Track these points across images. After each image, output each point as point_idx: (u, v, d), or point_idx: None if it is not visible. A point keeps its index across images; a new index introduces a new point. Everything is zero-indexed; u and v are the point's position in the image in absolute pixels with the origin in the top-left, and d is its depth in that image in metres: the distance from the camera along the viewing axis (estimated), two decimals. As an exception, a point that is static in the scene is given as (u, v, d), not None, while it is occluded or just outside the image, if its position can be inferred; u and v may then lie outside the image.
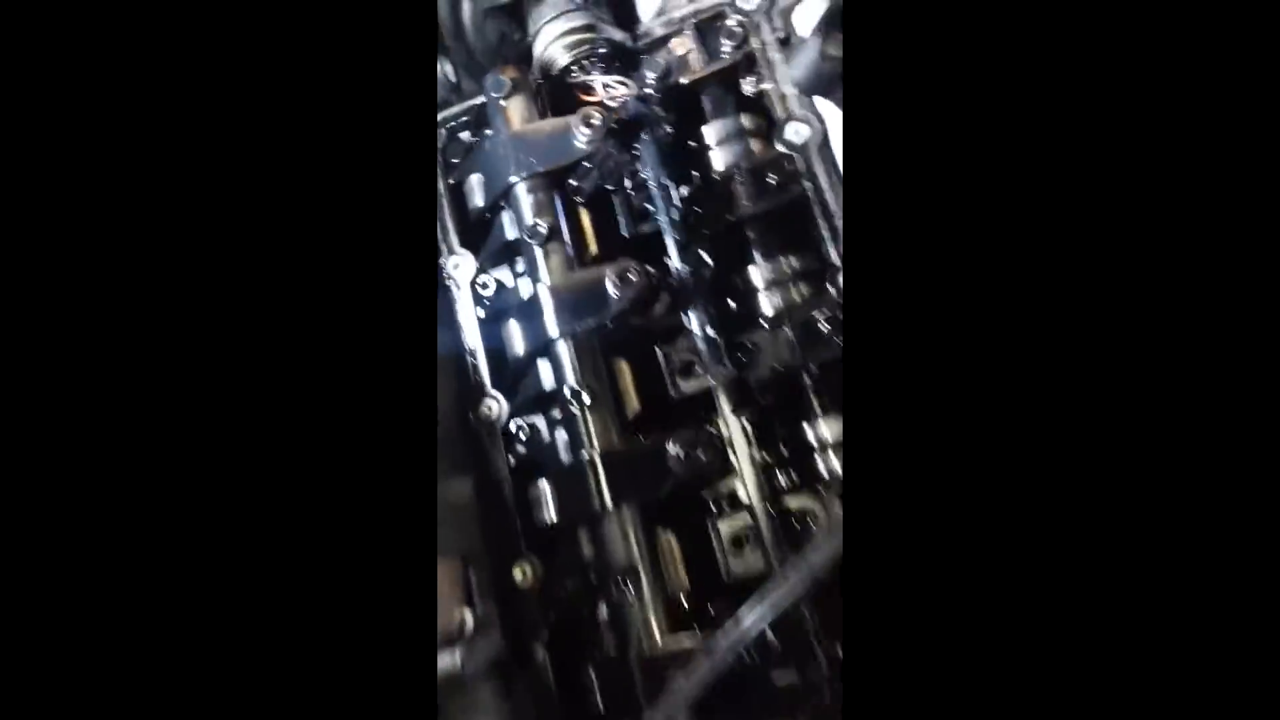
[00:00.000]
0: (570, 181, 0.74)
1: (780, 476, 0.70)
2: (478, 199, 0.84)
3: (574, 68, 0.83)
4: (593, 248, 0.79)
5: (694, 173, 0.79)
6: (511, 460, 0.81)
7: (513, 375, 0.83)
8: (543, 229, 0.76)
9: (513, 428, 0.81)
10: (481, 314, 0.86)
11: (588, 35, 0.83)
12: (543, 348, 0.76)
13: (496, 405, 0.83)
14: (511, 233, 0.82)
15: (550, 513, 0.74)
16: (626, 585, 0.68)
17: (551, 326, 0.74)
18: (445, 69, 0.96)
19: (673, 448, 0.69)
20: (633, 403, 0.74)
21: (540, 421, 0.82)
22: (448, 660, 0.67)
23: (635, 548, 0.70)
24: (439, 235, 0.84)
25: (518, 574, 0.78)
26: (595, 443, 0.71)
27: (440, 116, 0.88)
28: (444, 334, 0.85)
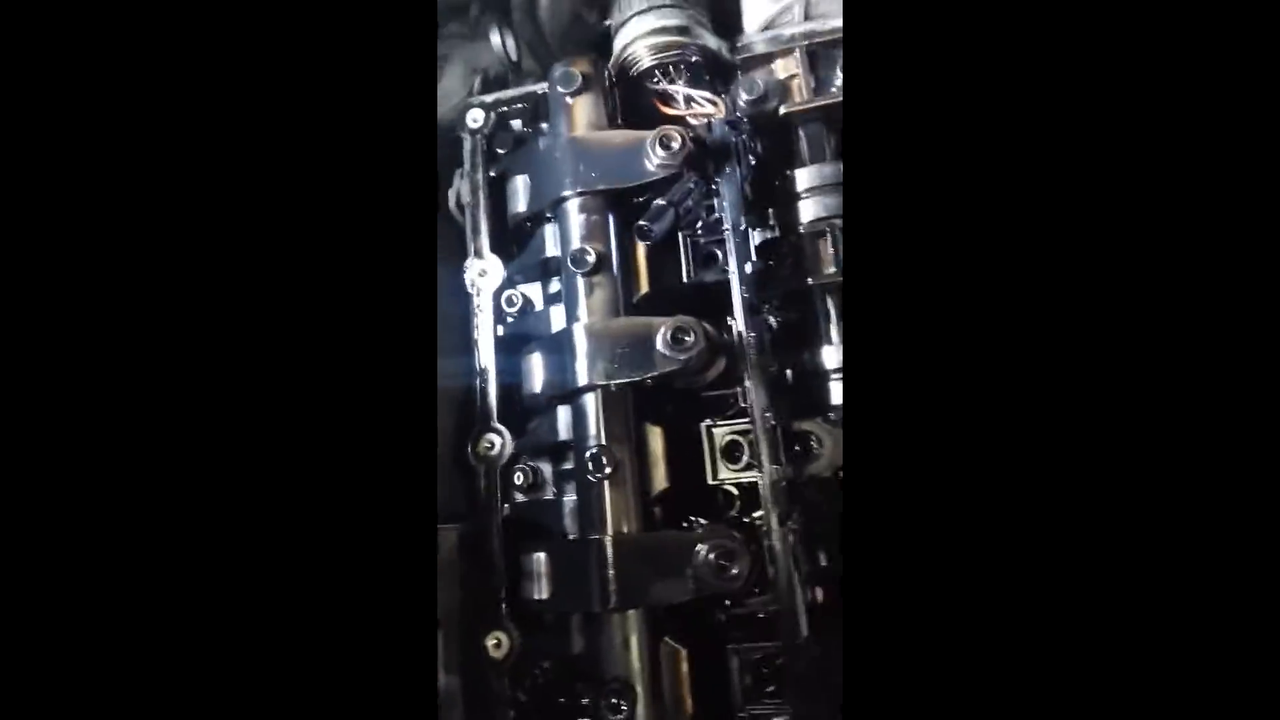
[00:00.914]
0: (642, 224, 0.62)
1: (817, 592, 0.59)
2: (520, 204, 0.72)
3: (657, 72, 0.72)
4: (644, 287, 0.67)
5: (774, 221, 0.67)
6: (506, 509, 0.70)
7: (524, 410, 0.72)
8: (590, 257, 0.65)
9: (515, 474, 0.70)
10: (501, 332, 0.75)
11: (679, 38, 0.71)
12: (565, 394, 0.65)
13: (499, 442, 0.72)
14: (553, 249, 0.70)
15: (542, 590, 0.63)
16: (618, 701, 0.57)
17: (581, 372, 0.63)
18: (507, 42, 0.84)
19: (702, 550, 0.57)
20: (660, 480, 0.62)
21: (547, 469, 0.71)
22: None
23: (635, 660, 0.59)
24: (468, 237, 0.73)
25: (490, 642, 0.67)
26: (609, 521, 0.60)
27: (492, 98, 0.76)
28: (454, 350, 0.74)
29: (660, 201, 0.61)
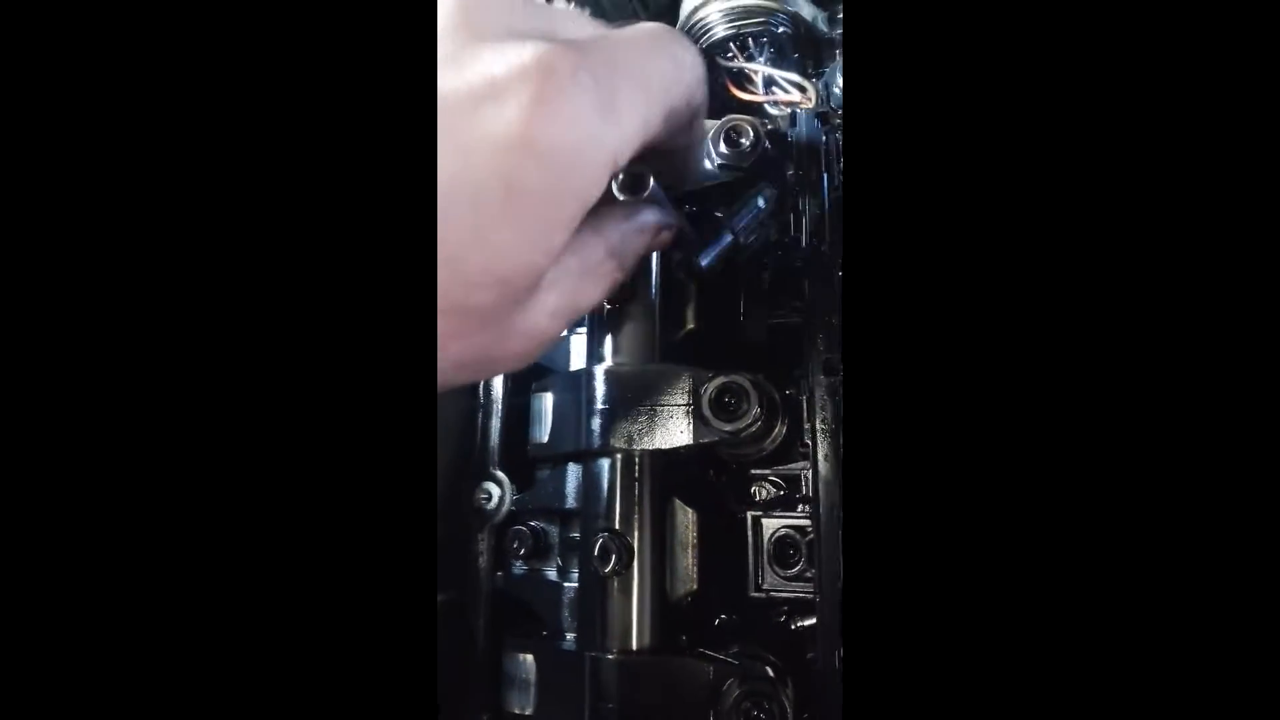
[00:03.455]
0: (695, 260, 0.44)
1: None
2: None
3: (733, 46, 0.56)
4: (689, 323, 0.52)
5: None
6: (498, 577, 0.57)
7: (531, 460, 0.59)
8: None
9: (514, 536, 0.57)
10: (515, 356, 0.61)
11: (766, 3, 0.55)
12: (577, 453, 0.51)
13: (498, 494, 0.58)
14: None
15: (528, 703, 0.49)
16: None
17: (596, 430, 0.48)
18: (559, 4, 0.70)
19: (730, 694, 0.42)
20: (687, 581, 0.47)
21: (554, 534, 0.57)
22: None
23: (632, 823, 0.44)
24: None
25: (466, 745, 0.54)
26: (614, 633, 0.46)
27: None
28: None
29: (729, 231, 0.44)
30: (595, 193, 0.32)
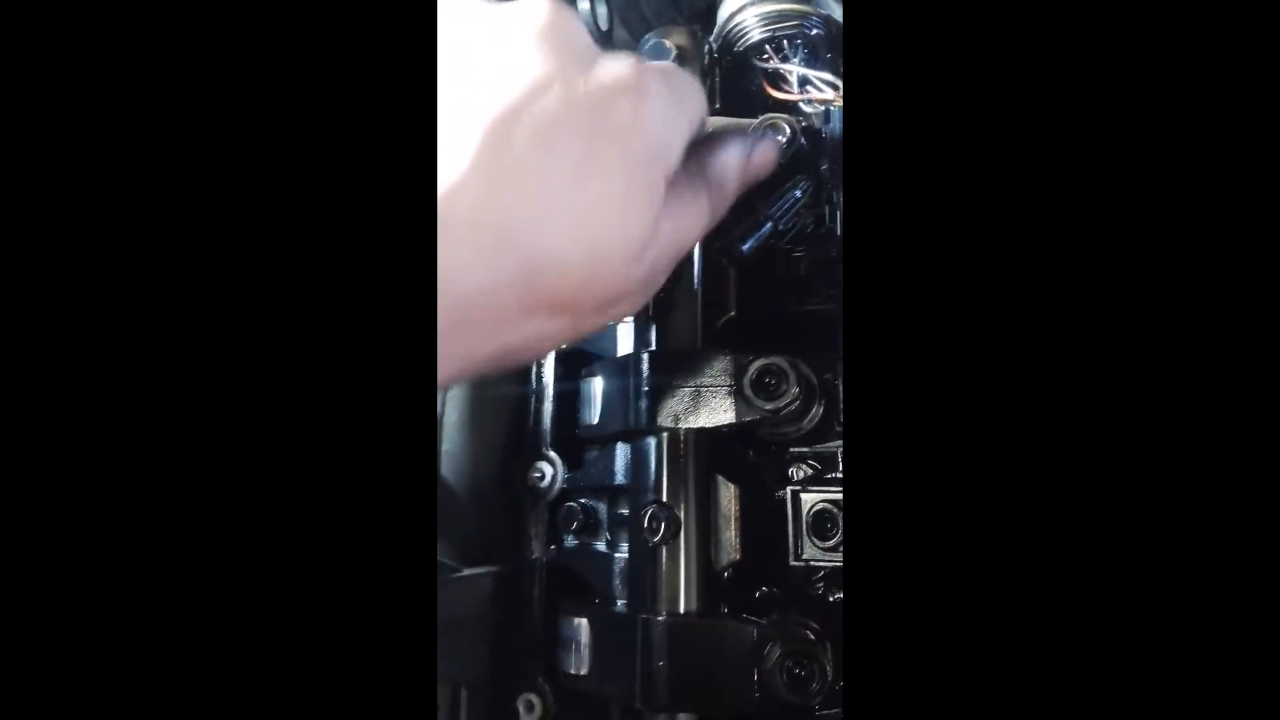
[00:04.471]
0: (736, 246, 0.48)
1: None
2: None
3: (768, 48, 0.59)
4: (731, 309, 0.55)
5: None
6: (552, 551, 0.61)
7: (581, 441, 0.62)
8: (668, 270, 0.54)
9: (566, 512, 0.61)
10: (564, 346, 0.65)
11: (799, 6, 0.58)
12: (625, 432, 0.54)
13: (550, 473, 0.62)
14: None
15: (581, 664, 0.53)
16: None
17: (643, 410, 0.52)
18: (598, 9, 0.74)
19: (772, 655, 0.46)
20: (730, 551, 0.51)
21: (603, 509, 0.61)
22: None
23: (682, 772, 0.48)
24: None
25: (521, 706, 0.58)
26: (663, 597, 0.49)
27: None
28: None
29: (767, 216, 0.47)
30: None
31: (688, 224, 0.42)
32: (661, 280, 0.43)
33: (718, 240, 0.49)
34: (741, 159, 0.46)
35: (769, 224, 0.47)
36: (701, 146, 0.44)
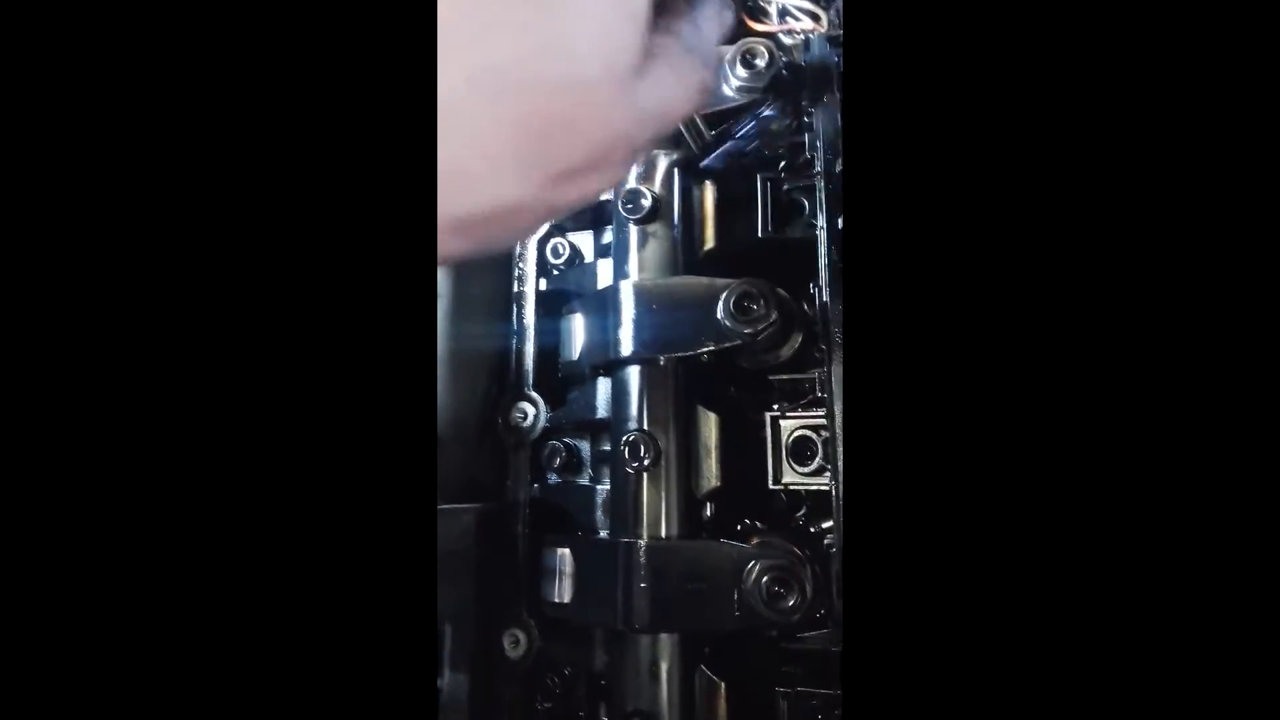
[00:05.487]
0: (698, 159, 0.48)
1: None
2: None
3: (747, -22, 0.59)
4: (710, 241, 0.55)
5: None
6: (535, 489, 0.61)
7: (563, 379, 0.62)
8: (645, 200, 0.53)
9: (548, 450, 0.61)
10: (544, 285, 0.65)
11: (778, -65, 0.58)
12: (606, 364, 0.55)
13: (532, 413, 0.62)
14: (608, 192, 0.59)
15: (563, 592, 0.54)
16: (639, 737, 0.47)
17: (625, 340, 0.52)
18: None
19: (754, 570, 0.46)
20: (711, 477, 0.51)
21: (585, 448, 0.61)
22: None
23: (664, 691, 0.48)
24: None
25: (507, 642, 0.59)
26: (644, 521, 0.50)
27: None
28: (488, 303, 0.65)
29: (738, 136, 0.47)
30: None
31: (675, 79, 0.40)
32: (648, 139, 0.41)
33: (683, 153, 0.49)
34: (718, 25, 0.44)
35: (733, 142, 0.47)
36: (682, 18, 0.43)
